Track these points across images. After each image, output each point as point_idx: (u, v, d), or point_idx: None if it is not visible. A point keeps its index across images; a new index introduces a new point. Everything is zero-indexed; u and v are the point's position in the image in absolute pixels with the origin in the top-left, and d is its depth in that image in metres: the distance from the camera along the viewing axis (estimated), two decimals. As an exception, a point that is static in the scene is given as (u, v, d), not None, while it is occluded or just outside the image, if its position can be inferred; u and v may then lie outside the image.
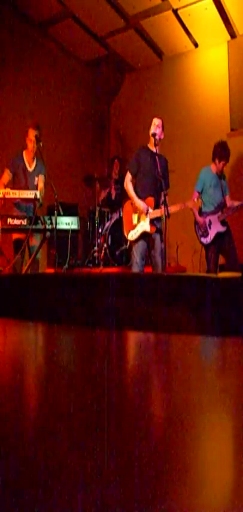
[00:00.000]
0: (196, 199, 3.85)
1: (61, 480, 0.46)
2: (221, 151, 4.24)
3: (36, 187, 4.03)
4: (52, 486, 0.45)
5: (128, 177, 3.85)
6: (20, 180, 4.01)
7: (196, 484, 0.46)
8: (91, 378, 0.94)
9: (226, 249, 4.16)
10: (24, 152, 4.09)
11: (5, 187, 3.81)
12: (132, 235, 3.75)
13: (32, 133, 4.01)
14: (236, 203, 4.17)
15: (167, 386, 0.88)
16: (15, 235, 3.87)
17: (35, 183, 4.06)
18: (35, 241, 3.90)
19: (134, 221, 3.76)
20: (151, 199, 3.72)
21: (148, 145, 3.89)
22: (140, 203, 3.71)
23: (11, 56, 5.30)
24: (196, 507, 0.41)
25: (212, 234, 4.14)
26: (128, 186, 3.83)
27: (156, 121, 3.84)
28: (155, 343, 1.48)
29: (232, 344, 1.37)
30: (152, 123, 3.85)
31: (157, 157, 3.73)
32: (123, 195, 5.32)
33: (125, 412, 0.71)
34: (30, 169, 4.08)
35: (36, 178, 4.07)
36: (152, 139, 3.81)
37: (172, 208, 3.61)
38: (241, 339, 1.36)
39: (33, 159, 4.11)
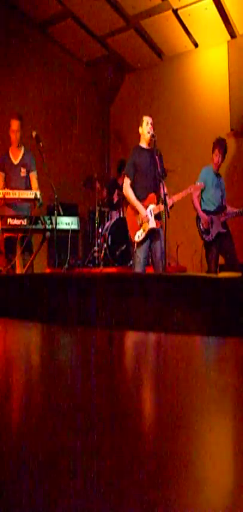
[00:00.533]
0: (194, 185, 3.88)
1: (60, 481, 0.46)
2: (215, 143, 4.31)
3: (23, 180, 3.96)
4: (51, 487, 0.45)
5: (127, 182, 3.82)
6: (8, 176, 3.95)
7: (196, 484, 0.46)
8: (90, 378, 0.94)
9: (226, 249, 4.19)
10: (10, 148, 4.03)
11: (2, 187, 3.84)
12: (139, 236, 3.74)
13: (13, 124, 3.95)
14: (236, 210, 4.21)
15: (167, 387, 0.88)
16: (6, 234, 3.77)
17: (22, 174, 3.96)
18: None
19: (139, 221, 3.76)
20: (152, 196, 3.74)
21: (141, 144, 3.88)
22: (141, 210, 3.71)
23: (11, 55, 5.30)
24: (196, 507, 0.41)
25: (213, 233, 4.17)
26: (128, 192, 3.80)
27: (149, 119, 3.81)
28: (156, 343, 1.48)
29: (232, 344, 1.37)
30: (145, 123, 3.81)
31: (156, 155, 3.73)
32: (124, 198, 5.33)
33: (125, 411, 0.71)
34: (16, 161, 3.99)
35: (23, 170, 3.98)
36: (146, 137, 3.80)
37: (175, 198, 3.64)
38: (241, 339, 1.36)
39: (20, 150, 4.02)
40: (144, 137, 3.83)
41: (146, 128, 3.80)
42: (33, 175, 4.01)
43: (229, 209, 4.25)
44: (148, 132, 3.77)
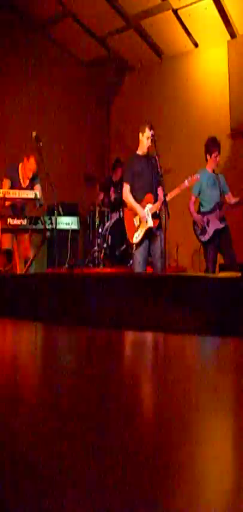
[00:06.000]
0: (190, 177, 3.86)
1: (62, 480, 0.47)
2: (209, 145, 4.30)
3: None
4: (52, 485, 0.45)
5: (127, 188, 3.85)
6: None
7: (196, 483, 0.46)
8: (91, 378, 0.94)
9: (224, 248, 4.18)
10: (20, 165, 4.05)
11: None
12: (137, 236, 3.75)
13: (31, 163, 3.99)
14: (233, 200, 4.21)
15: (167, 386, 0.88)
16: (5, 245, 3.76)
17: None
18: (29, 251, 3.80)
19: (137, 223, 3.78)
20: (150, 196, 3.76)
21: (138, 152, 3.91)
22: (140, 211, 3.74)
23: (11, 56, 5.30)
24: (196, 506, 0.41)
25: (210, 231, 4.18)
26: (128, 197, 3.83)
27: (150, 133, 3.75)
28: (155, 343, 1.48)
29: (232, 344, 1.37)
30: (146, 135, 3.77)
31: (151, 160, 3.77)
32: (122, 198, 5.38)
33: (125, 411, 0.71)
34: (24, 185, 4.03)
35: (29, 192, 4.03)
36: (143, 147, 3.82)
37: (170, 195, 3.66)
38: (241, 339, 1.36)
39: (29, 177, 4.06)
40: (142, 146, 3.85)
41: (145, 141, 3.80)
42: (37, 186, 4.03)
43: (229, 200, 4.25)
44: (146, 147, 3.80)
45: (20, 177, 4.04)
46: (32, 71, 5.59)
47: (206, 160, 4.34)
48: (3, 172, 4.04)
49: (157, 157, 3.77)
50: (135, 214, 3.78)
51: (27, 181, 4.07)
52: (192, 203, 4.32)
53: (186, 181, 3.78)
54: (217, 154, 4.28)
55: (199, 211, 4.32)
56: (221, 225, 4.15)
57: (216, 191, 4.26)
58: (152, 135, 3.79)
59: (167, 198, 3.59)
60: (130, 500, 0.42)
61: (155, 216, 3.73)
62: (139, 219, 3.77)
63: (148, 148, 3.82)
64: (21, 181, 4.03)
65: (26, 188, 4.01)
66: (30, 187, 4.04)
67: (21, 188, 3.98)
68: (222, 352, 1.30)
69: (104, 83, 6.96)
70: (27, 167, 4.01)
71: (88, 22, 5.61)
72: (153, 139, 3.76)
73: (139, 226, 3.76)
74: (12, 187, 3.97)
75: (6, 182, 3.98)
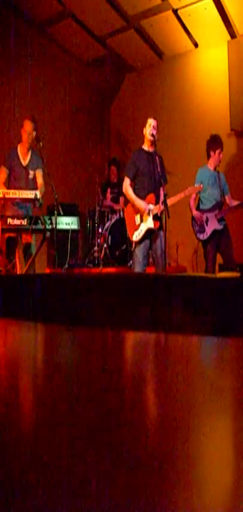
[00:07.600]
0: (195, 185, 3.94)
1: (61, 482, 0.47)
2: (213, 141, 4.31)
3: (31, 182, 3.98)
4: (51, 487, 0.45)
5: (127, 181, 3.86)
6: (15, 175, 3.96)
7: (196, 484, 0.46)
8: (90, 379, 0.94)
9: (223, 248, 4.17)
10: (18, 146, 4.02)
11: (4, 184, 3.86)
12: (137, 235, 3.76)
13: (27, 125, 3.95)
14: (235, 203, 4.20)
15: (167, 387, 0.88)
16: (7, 234, 3.75)
17: (30, 176, 3.99)
18: (30, 238, 3.84)
19: (138, 221, 3.78)
20: (151, 196, 3.76)
21: (143, 146, 3.92)
22: (141, 203, 3.74)
23: (11, 56, 5.30)
24: (196, 508, 0.41)
25: (208, 230, 4.16)
26: (128, 190, 3.84)
27: (152, 122, 3.85)
28: (155, 343, 1.48)
29: (232, 344, 1.37)
30: (148, 124, 3.86)
31: (157, 157, 3.75)
32: (120, 199, 5.43)
33: (125, 412, 0.71)
34: (25, 163, 4.00)
35: (31, 172, 4.00)
36: (147, 139, 3.84)
37: (173, 199, 3.67)
38: (241, 339, 1.36)
39: (28, 151, 4.03)
40: (146, 139, 3.87)
41: (148, 130, 3.84)
42: (39, 173, 4.02)
43: (229, 202, 4.25)
44: (150, 134, 3.80)
45: (20, 155, 4.01)
46: (32, 70, 5.59)
47: (208, 157, 4.32)
48: (2, 163, 4.01)
49: (158, 157, 3.78)
50: (137, 212, 3.78)
51: (28, 158, 4.02)
52: (192, 199, 4.32)
53: (188, 189, 3.83)
54: (220, 151, 4.28)
55: (198, 208, 4.30)
56: (220, 226, 4.14)
57: (216, 190, 4.25)
58: (154, 127, 3.81)
59: (169, 203, 3.59)
60: (128, 504, 0.42)
61: (156, 217, 3.73)
62: (140, 218, 3.76)
63: (153, 144, 3.82)
64: (21, 160, 4.00)
65: (27, 166, 3.99)
66: (31, 166, 4.00)
67: (21, 167, 3.96)
68: (223, 352, 1.30)
69: (104, 83, 6.96)
70: (23, 132, 3.96)
71: (88, 22, 5.61)
72: (153, 138, 3.78)
73: (139, 225, 3.76)
74: (11, 172, 3.95)
75: (3, 171, 3.94)
